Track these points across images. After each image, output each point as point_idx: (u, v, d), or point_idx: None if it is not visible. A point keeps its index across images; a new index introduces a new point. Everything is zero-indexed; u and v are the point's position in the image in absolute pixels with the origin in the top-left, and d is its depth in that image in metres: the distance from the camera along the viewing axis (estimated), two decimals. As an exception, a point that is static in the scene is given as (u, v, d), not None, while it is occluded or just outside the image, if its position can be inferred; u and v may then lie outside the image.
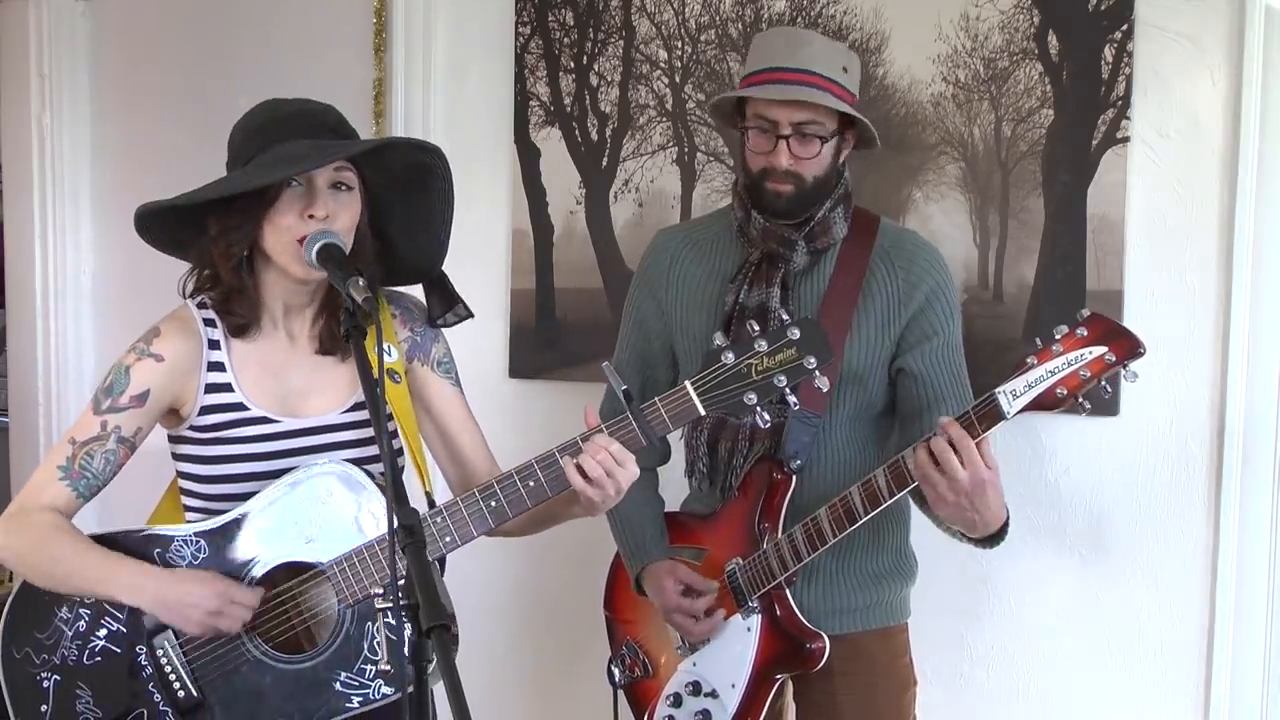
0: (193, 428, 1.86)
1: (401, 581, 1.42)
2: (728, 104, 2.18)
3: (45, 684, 1.83)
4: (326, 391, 1.91)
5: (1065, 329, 1.87)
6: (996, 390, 1.90)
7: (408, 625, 1.37)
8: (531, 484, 1.76)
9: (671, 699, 2.22)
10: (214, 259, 1.83)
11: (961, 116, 2.63)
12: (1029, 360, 1.88)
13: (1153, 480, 2.52)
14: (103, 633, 1.82)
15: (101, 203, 3.76)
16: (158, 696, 1.82)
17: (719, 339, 1.73)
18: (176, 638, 1.82)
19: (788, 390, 1.72)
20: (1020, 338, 2.58)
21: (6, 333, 4.00)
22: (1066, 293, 2.54)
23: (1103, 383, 1.85)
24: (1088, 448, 2.55)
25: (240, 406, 1.86)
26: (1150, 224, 2.50)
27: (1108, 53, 2.49)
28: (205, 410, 1.85)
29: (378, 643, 1.76)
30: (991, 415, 1.90)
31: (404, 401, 1.92)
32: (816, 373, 1.71)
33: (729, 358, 1.71)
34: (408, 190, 1.89)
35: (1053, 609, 2.62)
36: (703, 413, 1.73)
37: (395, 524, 1.48)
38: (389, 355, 1.90)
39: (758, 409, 1.72)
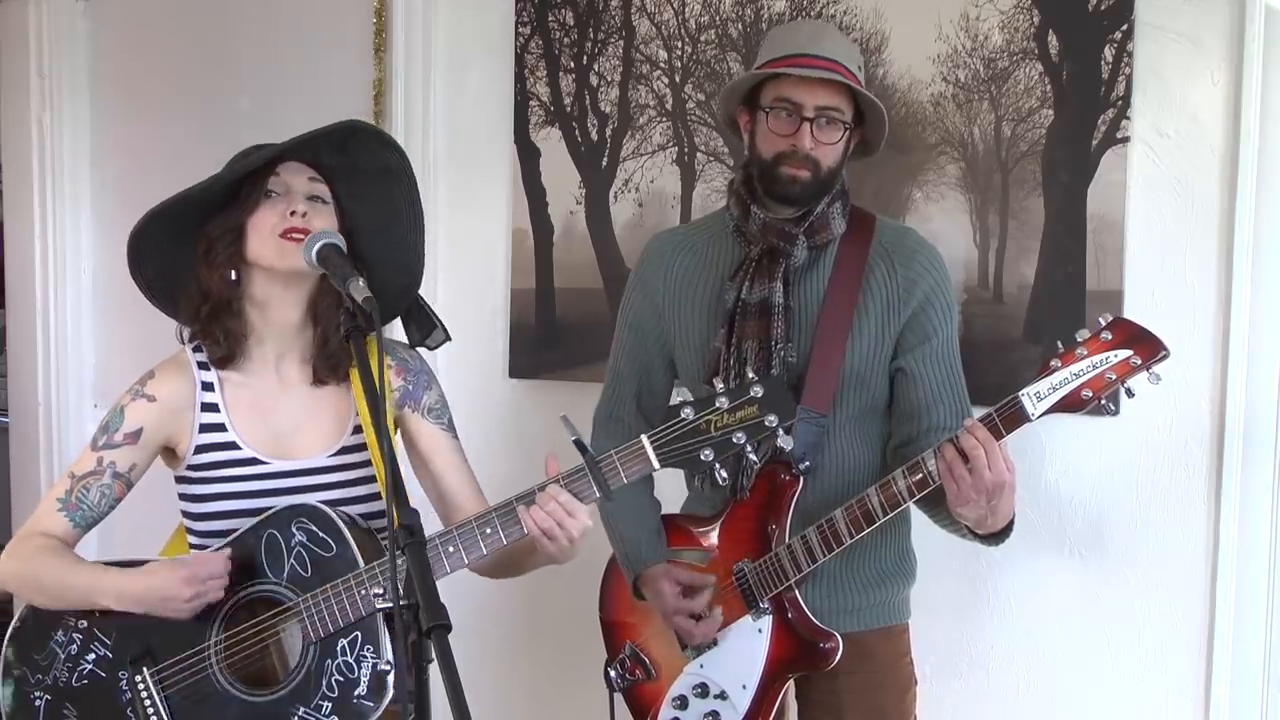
0: (189, 467, 1.94)
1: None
2: (733, 101, 2.18)
3: (37, 703, 1.92)
4: (315, 433, 1.96)
5: (1088, 332, 1.90)
6: (1020, 393, 1.91)
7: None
8: (488, 531, 1.78)
9: (677, 701, 2.21)
10: (202, 278, 1.90)
11: (961, 116, 2.63)
12: (1053, 363, 1.90)
13: (1153, 480, 2.52)
14: (91, 657, 1.90)
15: (101, 203, 3.76)
16: None
17: (681, 394, 1.72)
18: (155, 664, 1.88)
19: (748, 449, 1.71)
20: (1020, 338, 2.58)
21: (6, 333, 4.01)
22: (1066, 293, 2.55)
23: (1125, 385, 1.88)
24: (1088, 448, 2.55)
25: (233, 446, 1.93)
26: (1150, 224, 2.50)
27: (1108, 53, 2.49)
28: (200, 449, 1.93)
29: (336, 680, 1.79)
30: (1015, 418, 1.92)
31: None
32: (780, 431, 1.70)
33: (688, 413, 1.71)
34: (375, 201, 1.95)
35: (1053, 609, 2.62)
36: (657, 467, 1.73)
37: (395, 523, 1.49)
38: None
39: (715, 465, 1.71)
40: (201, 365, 1.95)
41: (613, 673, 2.29)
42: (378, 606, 1.76)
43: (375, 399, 1.65)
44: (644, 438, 1.73)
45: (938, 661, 2.58)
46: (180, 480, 1.96)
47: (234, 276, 1.88)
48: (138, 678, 1.88)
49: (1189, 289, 2.47)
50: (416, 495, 2.06)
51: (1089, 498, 2.58)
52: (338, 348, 1.92)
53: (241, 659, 1.86)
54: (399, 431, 2.03)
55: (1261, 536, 2.45)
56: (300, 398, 1.96)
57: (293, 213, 1.85)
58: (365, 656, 1.76)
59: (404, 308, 2.02)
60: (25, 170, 3.76)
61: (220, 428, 1.93)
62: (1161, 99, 2.47)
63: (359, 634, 1.77)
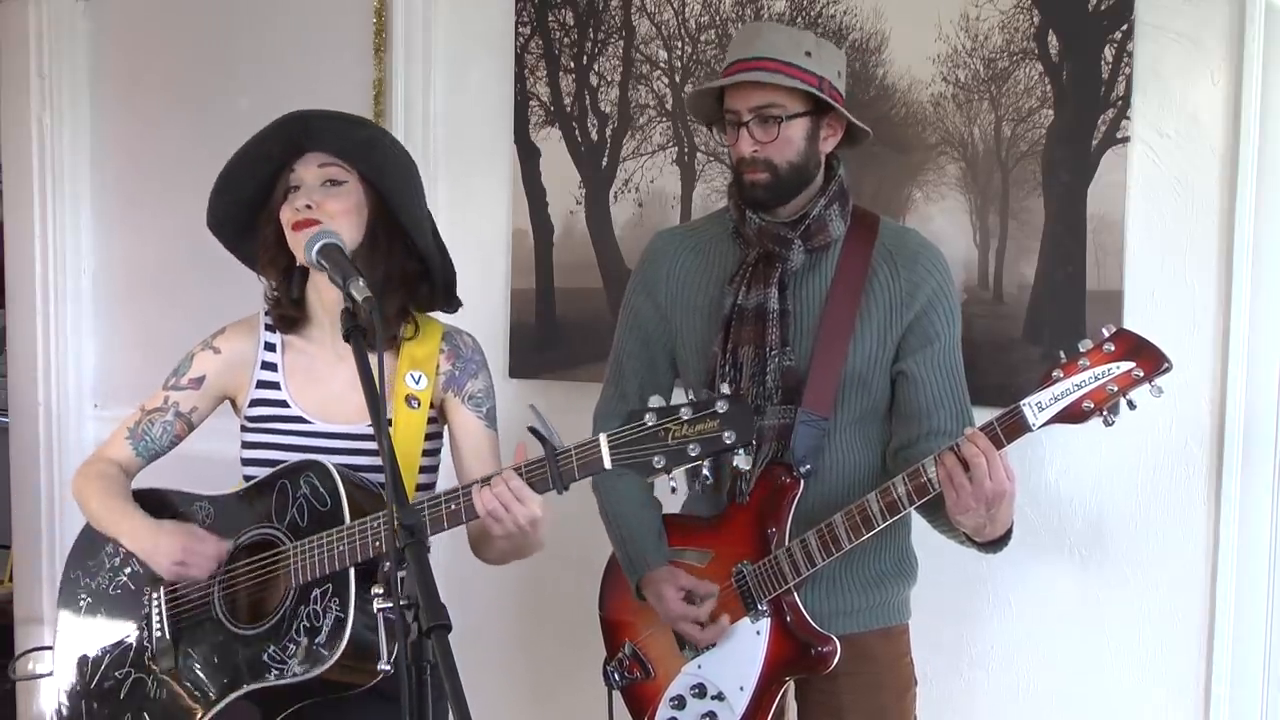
0: (246, 417, 2.13)
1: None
2: (718, 119, 2.19)
3: (81, 603, 2.16)
4: (361, 401, 2.00)
5: (1090, 343, 1.89)
6: (1021, 403, 1.91)
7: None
8: (452, 507, 1.86)
9: (674, 701, 2.21)
10: (260, 268, 2.11)
11: (961, 116, 2.63)
12: (1055, 374, 1.89)
13: (1153, 480, 2.52)
14: (128, 570, 2.13)
15: (101, 203, 3.76)
16: (143, 633, 2.09)
17: (654, 400, 1.72)
18: (169, 585, 2.07)
19: (704, 465, 1.70)
20: (1020, 338, 2.58)
21: (6, 333, 4.01)
22: (1066, 293, 2.55)
23: (1127, 398, 1.87)
24: (1087, 448, 2.55)
25: (283, 404, 2.10)
26: (1150, 224, 2.50)
27: (1108, 53, 2.49)
28: (254, 403, 2.11)
29: (304, 625, 1.91)
30: (1016, 427, 1.91)
31: (415, 429, 2.05)
32: (740, 451, 1.70)
33: (650, 418, 1.71)
34: (383, 168, 2.03)
35: (1053, 610, 2.62)
36: (608, 467, 1.73)
37: (396, 523, 1.51)
38: (416, 383, 2.07)
39: (669, 474, 1.71)
40: (269, 328, 2.14)
41: (611, 670, 2.29)
42: (378, 608, 1.77)
43: (375, 400, 1.66)
44: (602, 436, 1.74)
45: (938, 662, 2.58)
46: (241, 429, 2.15)
47: (298, 263, 2.01)
48: (154, 596, 2.07)
49: (1189, 289, 2.47)
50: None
51: (1089, 498, 2.58)
52: (388, 321, 2.05)
53: (238, 592, 2.03)
54: (440, 414, 2.12)
55: (1261, 536, 2.45)
56: (352, 367, 2.02)
57: (297, 207, 1.98)
58: (330, 607, 1.89)
59: (448, 266, 2.12)
60: (25, 170, 3.77)
61: (275, 385, 2.11)
62: (1161, 99, 2.47)
63: (330, 586, 1.90)
